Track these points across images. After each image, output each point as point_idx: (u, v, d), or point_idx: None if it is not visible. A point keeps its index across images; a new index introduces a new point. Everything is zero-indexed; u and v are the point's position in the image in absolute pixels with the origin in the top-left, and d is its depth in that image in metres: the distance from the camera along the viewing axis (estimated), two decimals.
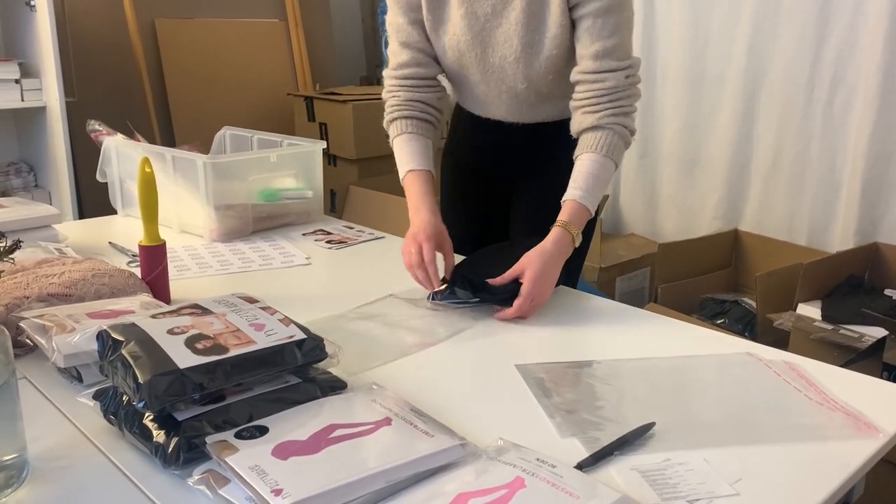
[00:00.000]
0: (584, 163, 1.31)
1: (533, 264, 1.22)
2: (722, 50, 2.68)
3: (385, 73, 1.48)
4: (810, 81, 2.48)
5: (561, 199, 1.31)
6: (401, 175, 1.41)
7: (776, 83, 2.58)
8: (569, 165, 1.35)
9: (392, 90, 1.46)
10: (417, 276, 1.28)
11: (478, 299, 1.23)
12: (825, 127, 2.48)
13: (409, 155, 1.41)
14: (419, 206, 1.36)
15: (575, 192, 1.29)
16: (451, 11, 1.37)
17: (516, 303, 1.20)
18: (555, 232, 1.26)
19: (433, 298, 1.26)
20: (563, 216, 1.28)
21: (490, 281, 1.24)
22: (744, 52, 2.62)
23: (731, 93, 2.68)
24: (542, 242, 1.25)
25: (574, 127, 1.35)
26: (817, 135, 2.50)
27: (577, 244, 1.27)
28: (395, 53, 1.44)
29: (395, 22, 1.42)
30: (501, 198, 1.60)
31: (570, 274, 1.34)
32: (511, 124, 1.48)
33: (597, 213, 1.48)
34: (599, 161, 1.30)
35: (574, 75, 1.33)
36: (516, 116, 1.47)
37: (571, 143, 1.38)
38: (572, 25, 1.32)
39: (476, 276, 1.25)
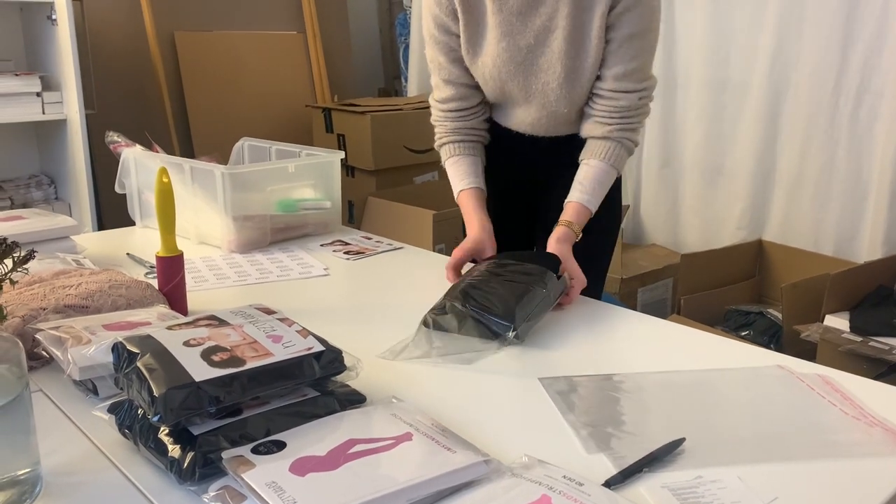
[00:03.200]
0: (591, 168, 1.42)
1: (565, 258, 1.31)
2: (745, 57, 2.65)
3: (431, 100, 1.57)
4: (836, 89, 2.45)
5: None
6: (455, 194, 1.51)
7: (801, 91, 2.54)
8: None
9: (439, 120, 1.55)
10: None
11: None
12: (851, 135, 2.44)
13: (457, 175, 1.51)
14: (470, 221, 1.46)
15: (582, 195, 1.40)
16: (489, 44, 1.41)
17: (572, 293, 1.28)
18: (561, 230, 1.37)
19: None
20: (567, 216, 1.39)
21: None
22: (767, 59, 2.59)
23: (755, 101, 2.65)
24: (555, 240, 1.35)
25: (584, 131, 1.46)
26: (843, 143, 2.46)
27: (577, 240, 1.38)
28: (439, 88, 1.52)
29: (435, 60, 1.49)
30: (526, 204, 1.64)
31: (595, 281, 1.42)
32: (544, 137, 1.53)
33: (618, 224, 1.65)
34: (605, 169, 1.41)
35: (593, 87, 1.41)
36: (552, 132, 1.52)
37: None
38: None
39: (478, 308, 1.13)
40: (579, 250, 1.36)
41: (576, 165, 1.52)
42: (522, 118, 1.51)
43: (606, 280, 1.67)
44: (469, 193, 1.48)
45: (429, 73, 1.55)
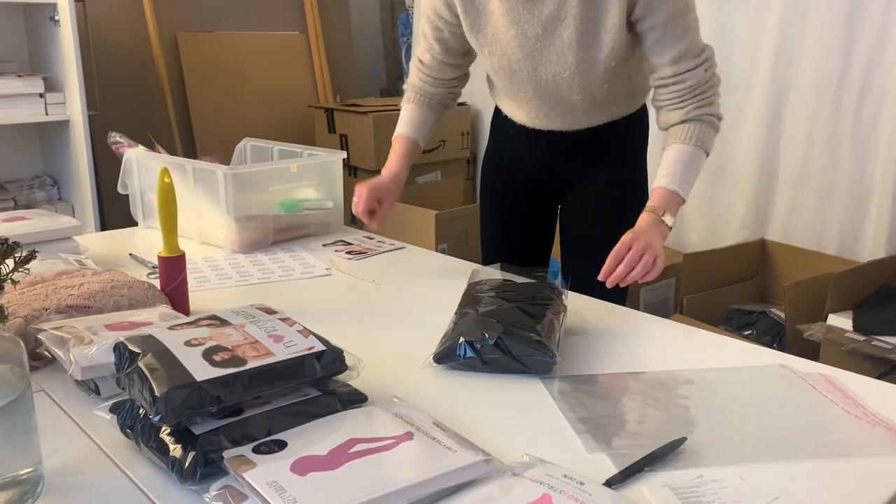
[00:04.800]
0: (671, 152, 1.33)
1: (638, 238, 1.22)
2: (748, 57, 2.64)
3: (413, 55, 1.61)
4: (839, 88, 2.44)
5: (614, 192, 1.47)
6: (394, 134, 1.58)
7: (804, 90, 2.53)
8: (620, 168, 1.50)
9: (416, 75, 1.59)
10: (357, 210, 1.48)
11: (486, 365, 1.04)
12: (854, 134, 2.43)
13: (405, 120, 1.58)
14: (390, 165, 1.55)
15: (662, 179, 1.32)
16: (497, 32, 1.38)
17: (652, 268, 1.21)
18: (643, 216, 1.29)
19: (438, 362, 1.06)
20: (651, 202, 1.31)
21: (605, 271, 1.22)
22: (770, 58, 2.58)
23: (758, 100, 2.64)
24: (634, 227, 1.27)
25: (661, 123, 1.38)
26: (846, 142, 2.45)
27: (669, 225, 1.29)
28: (422, 53, 1.55)
29: (423, 32, 1.51)
30: (548, 201, 1.63)
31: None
32: (562, 132, 1.50)
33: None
34: (688, 150, 1.32)
35: (654, 81, 1.36)
36: (569, 126, 1.49)
37: (623, 145, 1.49)
38: (629, 30, 1.32)
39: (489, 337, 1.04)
40: (605, 253, 1.26)
41: (597, 165, 1.51)
42: (536, 111, 1.48)
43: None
44: (404, 140, 1.55)
45: None
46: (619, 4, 1.27)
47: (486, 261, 1.64)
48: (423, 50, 1.54)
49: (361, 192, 1.47)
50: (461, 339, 1.03)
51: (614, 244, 1.32)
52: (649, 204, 1.30)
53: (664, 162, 1.33)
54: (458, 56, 1.52)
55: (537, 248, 1.64)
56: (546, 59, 1.36)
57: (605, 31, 1.30)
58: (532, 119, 1.50)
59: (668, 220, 1.29)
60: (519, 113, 1.53)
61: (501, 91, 1.52)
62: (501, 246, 1.63)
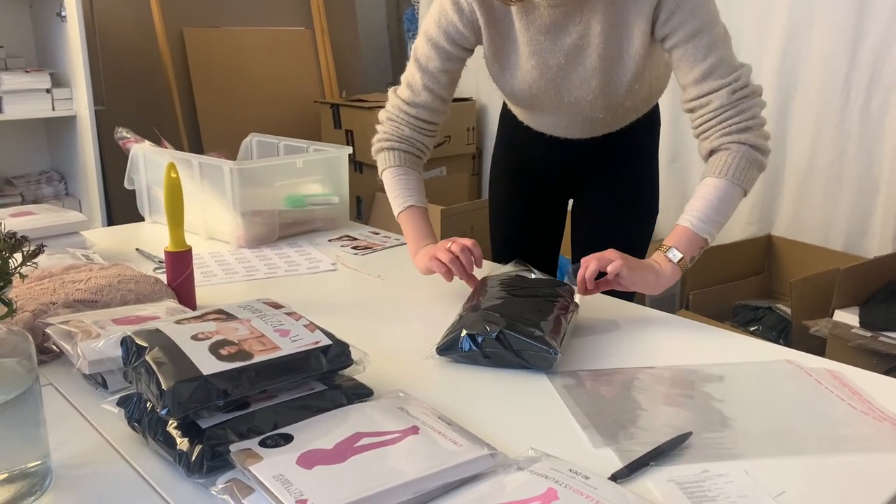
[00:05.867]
0: (700, 187, 1.24)
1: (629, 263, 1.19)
2: (755, 51, 2.63)
3: (394, 95, 1.44)
4: (846, 83, 2.43)
5: (627, 188, 1.48)
6: (401, 205, 1.40)
7: (811, 85, 2.52)
8: (633, 164, 1.50)
9: (397, 119, 1.42)
10: (460, 263, 1.26)
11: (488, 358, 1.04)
12: (862, 130, 2.42)
13: (410, 189, 1.40)
14: (427, 238, 1.37)
15: (683, 216, 1.24)
16: (520, 60, 1.34)
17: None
18: (655, 254, 1.23)
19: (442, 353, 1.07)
20: (666, 240, 1.24)
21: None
22: (777, 53, 2.57)
23: (765, 95, 2.61)
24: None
25: (701, 155, 1.29)
26: (854, 138, 2.44)
27: (678, 264, 1.21)
28: (415, 90, 1.39)
29: (425, 64, 1.37)
30: (559, 197, 1.63)
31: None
32: (579, 140, 1.48)
33: (653, 226, 1.59)
34: (715, 184, 1.22)
35: (683, 105, 1.27)
36: (588, 134, 1.47)
37: (637, 143, 1.48)
38: (653, 37, 1.26)
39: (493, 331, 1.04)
40: (617, 248, 1.24)
41: (612, 164, 1.50)
42: (555, 123, 1.46)
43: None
44: (424, 213, 1.40)
45: None
46: (642, 30, 1.24)
47: (496, 257, 1.64)
48: (418, 91, 1.38)
49: (459, 242, 1.27)
50: (463, 332, 1.04)
51: (626, 238, 1.32)
52: (665, 241, 1.24)
53: (693, 197, 1.25)
54: (451, 95, 1.42)
55: (547, 244, 1.64)
56: (569, 85, 1.33)
57: (630, 57, 1.28)
58: (550, 129, 1.48)
59: (672, 255, 1.21)
60: (536, 123, 1.50)
61: (520, 106, 1.49)
62: (511, 242, 1.63)
